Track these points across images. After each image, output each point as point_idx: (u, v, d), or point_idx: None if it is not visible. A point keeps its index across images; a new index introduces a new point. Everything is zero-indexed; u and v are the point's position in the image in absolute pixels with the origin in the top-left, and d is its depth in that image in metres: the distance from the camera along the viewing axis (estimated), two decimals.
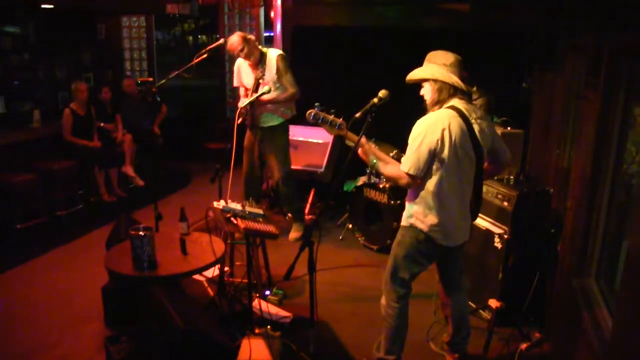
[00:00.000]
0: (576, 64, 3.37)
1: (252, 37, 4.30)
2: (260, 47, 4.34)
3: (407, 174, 2.50)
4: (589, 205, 2.79)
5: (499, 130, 3.52)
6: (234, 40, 4.19)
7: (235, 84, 4.61)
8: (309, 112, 2.70)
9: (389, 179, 2.72)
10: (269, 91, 4.02)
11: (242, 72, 4.45)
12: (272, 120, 4.44)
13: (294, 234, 4.79)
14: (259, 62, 4.28)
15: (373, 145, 2.73)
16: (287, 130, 4.60)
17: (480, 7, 5.36)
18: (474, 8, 5.40)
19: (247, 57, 4.25)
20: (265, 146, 4.54)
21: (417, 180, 2.54)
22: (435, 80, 2.53)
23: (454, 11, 5.58)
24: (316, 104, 2.73)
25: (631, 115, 2.60)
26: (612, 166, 2.69)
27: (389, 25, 5.86)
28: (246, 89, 4.41)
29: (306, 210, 5.34)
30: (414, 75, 2.60)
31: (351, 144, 2.66)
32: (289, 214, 5.36)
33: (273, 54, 4.29)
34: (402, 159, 2.55)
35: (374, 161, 2.66)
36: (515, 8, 5.03)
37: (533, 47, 4.41)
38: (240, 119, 4.28)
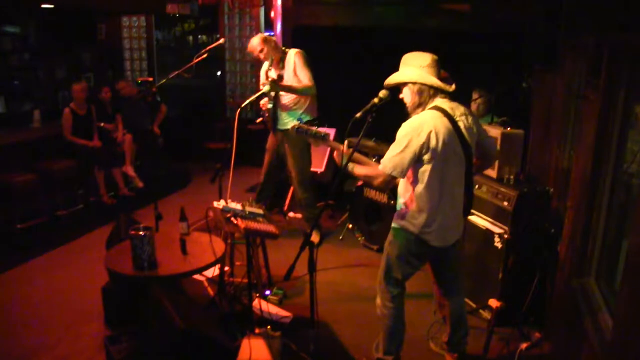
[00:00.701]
0: (576, 64, 3.37)
1: (273, 38, 4.30)
2: (283, 48, 4.34)
3: (389, 174, 2.49)
4: (589, 205, 2.79)
5: (499, 131, 3.53)
6: (254, 42, 4.22)
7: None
8: (292, 126, 2.75)
9: (364, 179, 2.74)
10: (269, 91, 4.02)
11: (267, 75, 4.45)
12: (290, 124, 4.42)
13: (315, 238, 4.69)
14: (280, 61, 4.28)
15: (347, 149, 2.72)
16: None
17: (480, 7, 5.36)
18: (474, 8, 5.40)
19: (266, 58, 4.27)
20: (284, 149, 4.53)
21: (394, 180, 2.54)
22: (414, 83, 2.53)
23: (454, 11, 5.57)
24: (298, 118, 2.77)
25: (631, 115, 2.60)
26: (612, 166, 2.69)
27: (389, 25, 5.85)
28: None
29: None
30: (392, 79, 2.59)
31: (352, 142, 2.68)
32: (289, 214, 5.36)
33: (292, 52, 4.30)
34: (382, 159, 2.54)
35: (350, 166, 2.64)
36: (515, 8, 5.02)
37: (533, 47, 4.41)
38: (260, 119, 4.33)
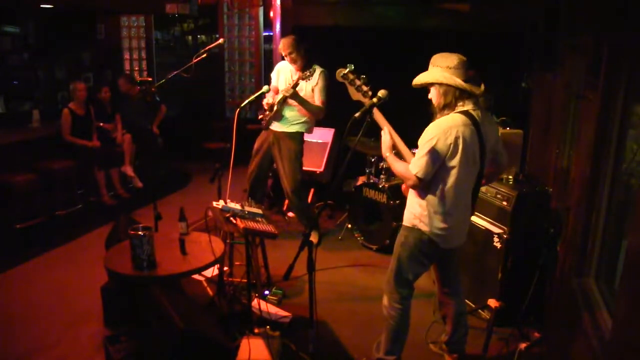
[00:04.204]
0: (576, 64, 3.37)
1: (302, 44, 4.29)
2: (307, 58, 4.30)
3: (416, 176, 2.50)
4: (588, 205, 2.79)
5: (499, 131, 3.52)
6: (285, 41, 4.23)
7: (272, 83, 4.55)
8: (339, 70, 2.69)
9: (398, 175, 2.71)
10: (268, 91, 4.03)
11: (280, 76, 4.45)
12: (290, 127, 4.40)
13: (314, 238, 4.60)
14: (302, 70, 4.25)
15: (395, 133, 2.69)
16: (301, 141, 4.51)
17: (480, 7, 5.36)
18: (473, 8, 5.40)
19: (293, 62, 4.27)
20: (276, 152, 4.50)
21: (424, 183, 2.54)
22: (440, 84, 2.52)
23: (454, 11, 5.58)
24: (349, 64, 2.71)
25: (631, 115, 2.60)
26: (611, 166, 2.69)
27: (389, 25, 5.86)
28: (277, 92, 4.43)
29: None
30: (419, 79, 2.60)
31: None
32: (289, 214, 5.36)
33: (318, 69, 4.29)
34: (412, 160, 2.54)
35: (387, 154, 2.66)
36: (515, 8, 5.02)
37: (533, 47, 4.41)
38: (260, 116, 4.33)
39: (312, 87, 4.28)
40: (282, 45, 4.26)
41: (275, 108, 4.30)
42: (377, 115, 2.65)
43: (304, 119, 4.40)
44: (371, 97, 2.63)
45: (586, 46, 3.01)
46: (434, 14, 5.69)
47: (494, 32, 5.23)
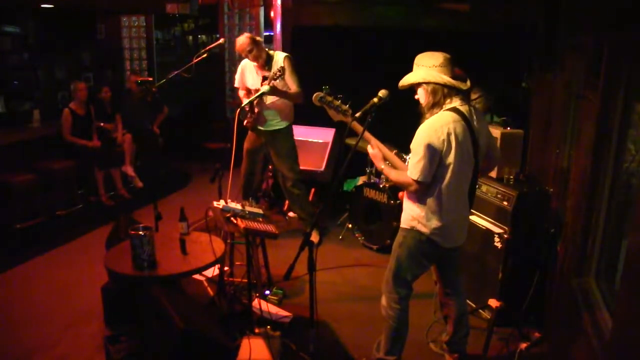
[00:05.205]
0: (576, 64, 3.37)
1: (259, 38, 4.30)
2: (266, 49, 4.33)
3: (416, 181, 2.50)
4: (588, 205, 2.79)
5: (499, 131, 3.53)
6: (243, 41, 4.19)
7: (235, 84, 4.59)
8: (316, 94, 2.70)
9: (397, 184, 2.72)
10: (268, 90, 4.02)
11: (246, 74, 4.44)
12: (275, 125, 4.43)
13: (315, 238, 4.67)
14: (266, 63, 4.27)
15: (381, 145, 2.71)
16: (291, 134, 4.57)
17: (480, 7, 5.36)
18: (473, 8, 5.40)
19: (255, 59, 4.25)
20: (270, 150, 4.53)
21: (424, 186, 2.54)
22: (427, 83, 2.52)
23: (454, 11, 5.57)
24: (324, 87, 2.72)
25: (631, 115, 2.60)
26: (611, 166, 2.69)
27: (389, 25, 5.85)
28: (247, 91, 4.42)
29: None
30: (406, 80, 2.59)
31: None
32: (289, 214, 5.36)
33: (280, 56, 4.28)
34: (409, 166, 2.54)
35: (382, 166, 2.67)
36: (514, 8, 5.02)
37: (533, 47, 4.40)
38: (245, 122, 4.30)
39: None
40: (240, 46, 4.20)
41: (256, 109, 4.30)
42: (351, 121, 2.64)
43: (285, 112, 4.41)
44: (352, 115, 2.64)
45: (586, 46, 3.01)
46: (434, 14, 5.68)
47: (494, 32, 5.23)
